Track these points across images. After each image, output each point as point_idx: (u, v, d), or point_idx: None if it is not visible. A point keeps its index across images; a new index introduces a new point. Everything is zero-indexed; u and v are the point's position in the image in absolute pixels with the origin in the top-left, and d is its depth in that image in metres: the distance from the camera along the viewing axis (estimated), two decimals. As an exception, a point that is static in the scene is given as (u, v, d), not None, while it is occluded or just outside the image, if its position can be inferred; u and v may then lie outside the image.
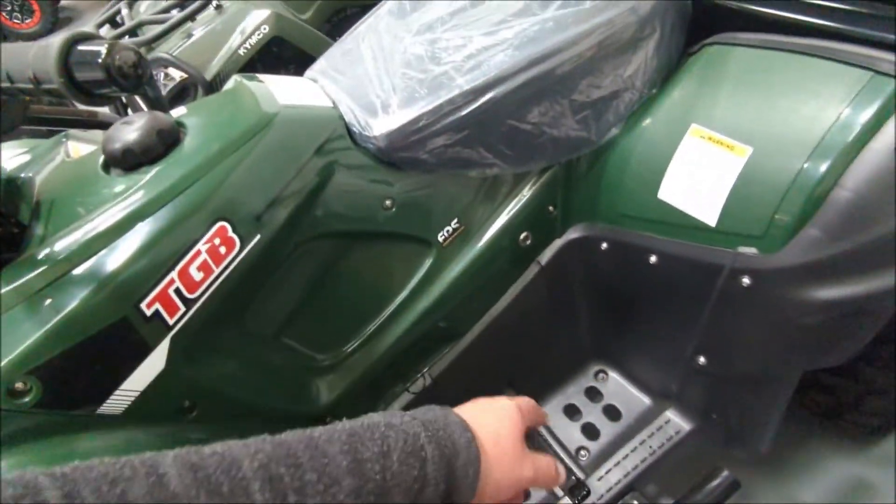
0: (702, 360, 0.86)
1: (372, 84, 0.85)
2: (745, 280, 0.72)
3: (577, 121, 0.84)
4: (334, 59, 0.95)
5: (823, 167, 0.64)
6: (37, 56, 0.43)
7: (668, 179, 0.79)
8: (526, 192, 0.93)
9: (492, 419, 0.49)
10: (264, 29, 1.72)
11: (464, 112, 0.78)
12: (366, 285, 0.87)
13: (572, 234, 0.95)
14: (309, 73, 0.97)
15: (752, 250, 0.71)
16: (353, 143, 0.81)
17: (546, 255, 0.97)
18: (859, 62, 0.64)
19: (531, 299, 0.99)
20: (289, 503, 0.35)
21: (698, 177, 0.75)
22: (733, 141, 0.72)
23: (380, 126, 0.79)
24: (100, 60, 0.43)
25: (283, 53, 1.88)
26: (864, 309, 0.67)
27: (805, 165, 0.65)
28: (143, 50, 1.67)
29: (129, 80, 0.45)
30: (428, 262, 0.89)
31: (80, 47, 0.44)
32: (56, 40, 0.43)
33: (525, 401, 0.53)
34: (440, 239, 0.89)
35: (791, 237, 0.67)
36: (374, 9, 1.05)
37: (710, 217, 0.74)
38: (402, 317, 0.89)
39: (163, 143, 0.68)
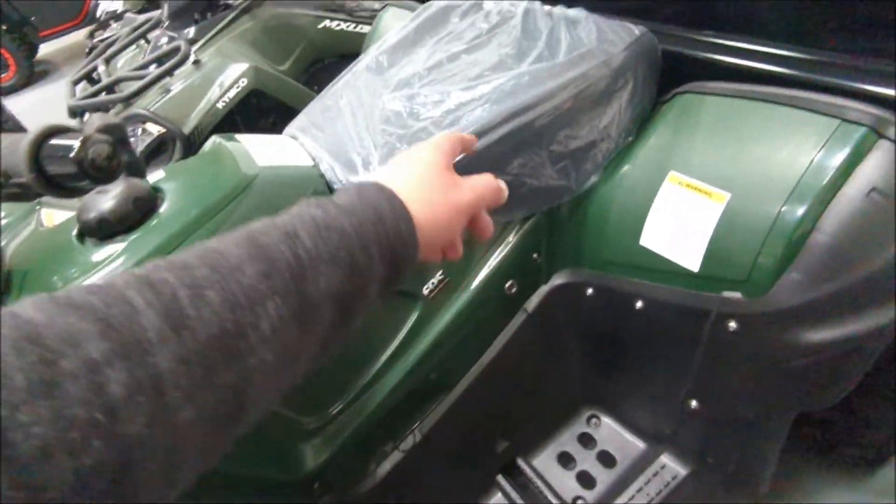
0: (694, 403, 0.85)
1: (352, 141, 0.85)
2: (732, 324, 0.72)
3: (557, 170, 0.85)
4: (314, 116, 0.96)
5: (800, 212, 0.65)
6: (7, 150, 0.42)
7: (648, 226, 0.80)
8: (510, 241, 0.93)
9: (407, 165, 0.48)
10: (243, 82, 1.74)
11: (444, 167, 0.79)
12: (350, 343, 0.85)
13: (557, 280, 0.95)
14: (289, 129, 0.97)
15: (736, 295, 0.71)
16: (334, 200, 0.80)
17: (533, 303, 0.96)
18: (827, 110, 0.66)
19: (520, 347, 0.98)
20: (180, 300, 0.29)
21: (679, 223, 0.76)
22: (711, 187, 0.73)
23: (361, 183, 0.79)
24: (72, 155, 0.42)
25: (262, 105, 1.89)
26: (851, 351, 0.67)
27: (782, 211, 0.66)
28: (120, 106, 1.67)
29: (102, 173, 0.44)
30: (414, 316, 0.88)
31: (53, 141, 0.43)
32: (28, 135, 0.42)
33: (441, 135, 0.53)
34: (425, 292, 0.88)
35: (774, 281, 0.67)
36: (352, 64, 1.06)
37: (692, 263, 0.74)
38: (389, 373, 0.88)
39: (139, 210, 0.67)
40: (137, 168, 0.74)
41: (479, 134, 0.79)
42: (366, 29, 2.02)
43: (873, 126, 0.63)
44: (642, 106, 0.86)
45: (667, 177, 0.78)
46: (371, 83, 0.97)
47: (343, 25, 2.12)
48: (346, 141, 0.86)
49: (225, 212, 0.70)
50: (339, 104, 0.96)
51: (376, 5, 1.99)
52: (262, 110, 1.90)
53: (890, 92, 0.66)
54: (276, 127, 1.04)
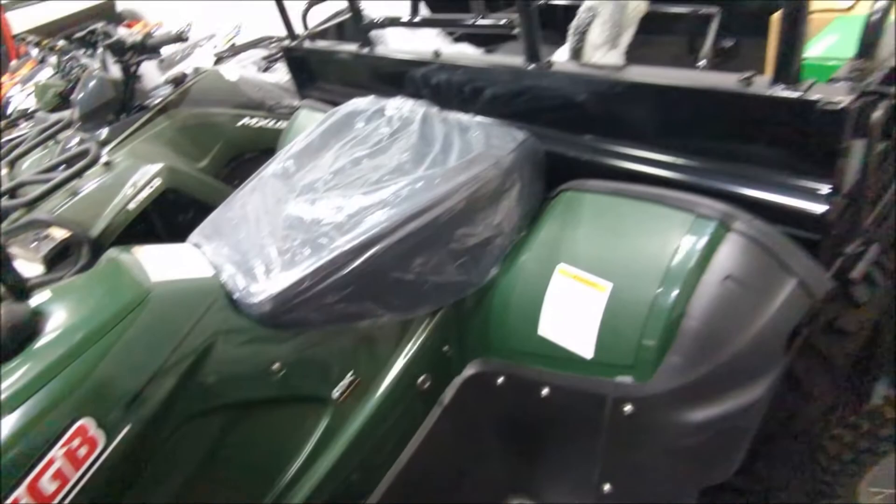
0: (607, 487, 0.86)
1: (255, 248, 0.86)
2: (628, 408, 0.75)
3: (457, 266, 0.88)
4: (219, 223, 0.96)
5: (671, 299, 0.71)
6: None
7: (544, 316, 0.84)
8: (419, 336, 0.94)
9: None
10: (156, 182, 1.72)
11: (346, 270, 0.81)
12: (259, 458, 0.82)
13: (469, 370, 0.97)
14: (193, 237, 0.97)
15: (628, 379, 0.75)
16: (235, 310, 0.80)
17: (447, 395, 0.96)
18: (684, 206, 0.74)
19: (439, 441, 0.97)
20: None
21: (570, 313, 0.80)
22: (595, 278, 0.78)
23: (263, 291, 0.79)
24: None
25: (179, 202, 1.87)
26: (733, 425, 0.72)
27: (656, 299, 0.72)
28: (21, 211, 1.60)
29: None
30: (324, 422, 0.86)
31: None
32: None
33: None
34: (335, 395, 0.86)
35: (658, 365, 0.72)
36: (260, 169, 1.09)
37: (586, 350, 0.78)
38: (300, 485, 0.84)
39: (15, 339, 0.64)
40: (20, 289, 0.71)
41: (380, 237, 0.82)
42: (285, 125, 2.08)
43: (721, 220, 0.70)
44: (531, 203, 0.93)
45: (556, 269, 0.83)
46: (277, 189, 1.00)
47: (262, 122, 2.17)
48: (249, 248, 0.86)
49: (114, 332, 0.67)
50: (245, 210, 0.97)
51: (295, 102, 2.06)
52: (179, 207, 1.88)
53: (735, 189, 0.75)
54: (195, 222, 1.03)
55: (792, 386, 1.07)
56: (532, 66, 0.89)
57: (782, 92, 0.63)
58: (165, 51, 2.43)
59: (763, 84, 0.65)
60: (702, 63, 0.97)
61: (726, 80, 0.68)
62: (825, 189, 0.65)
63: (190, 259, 0.86)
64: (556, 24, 1.03)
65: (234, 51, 3.17)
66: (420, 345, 0.94)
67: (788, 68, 0.62)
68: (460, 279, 0.90)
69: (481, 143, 0.92)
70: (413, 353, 0.94)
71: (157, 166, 1.75)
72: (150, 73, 2.17)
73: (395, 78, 1.24)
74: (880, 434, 0.99)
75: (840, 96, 0.58)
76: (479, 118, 1.01)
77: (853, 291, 1.13)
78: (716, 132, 0.76)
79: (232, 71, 2.23)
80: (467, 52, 1.44)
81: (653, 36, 1.55)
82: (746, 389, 0.69)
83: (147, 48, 1.92)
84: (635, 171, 0.86)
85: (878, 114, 0.58)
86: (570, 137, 0.96)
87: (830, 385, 1.06)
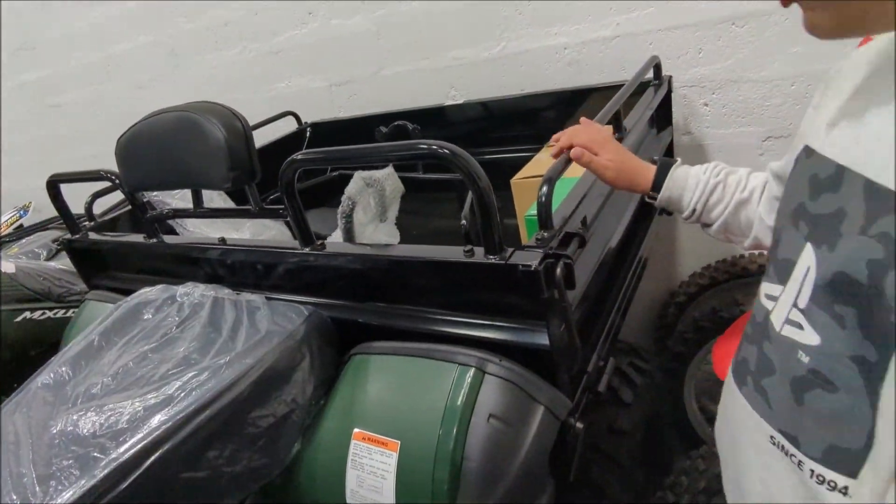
0: None
1: (10, 482, 0.76)
2: (434, 561, 0.77)
3: (256, 451, 0.87)
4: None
5: (450, 446, 0.77)
6: None
7: (348, 483, 0.85)
8: (225, 534, 0.88)
9: None
10: None
11: (124, 485, 0.75)
12: None
13: (286, 558, 0.92)
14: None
15: (428, 531, 0.78)
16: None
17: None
18: (449, 358, 0.85)
19: None
20: None
21: (369, 475, 0.83)
22: (386, 438, 0.83)
23: (17, 533, 0.70)
24: None
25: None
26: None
27: (438, 449, 0.78)
28: None
29: None
30: None
31: None
32: None
33: None
34: None
35: (453, 511, 0.77)
36: (27, 381, 0.99)
37: (389, 512, 0.81)
38: None
39: None
40: None
41: (163, 439, 0.79)
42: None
43: (478, 366, 0.82)
44: (325, 372, 0.97)
45: (353, 434, 0.86)
46: (46, 402, 0.91)
47: (49, 313, 1.97)
48: (3, 484, 0.77)
49: None
50: (6, 432, 0.87)
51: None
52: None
53: (491, 336, 0.88)
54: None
55: (591, 489, 1.19)
56: (307, 248, 0.99)
57: (492, 260, 0.78)
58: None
59: (480, 255, 0.80)
60: (463, 222, 1.14)
61: (456, 252, 0.83)
62: (544, 329, 0.80)
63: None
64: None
65: (19, 234, 2.91)
66: (228, 543, 0.88)
67: (492, 242, 0.78)
68: (262, 462, 0.88)
69: (269, 322, 0.97)
70: (220, 554, 0.87)
71: None
72: None
73: (190, 262, 1.26)
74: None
75: (531, 261, 0.75)
76: (266, 298, 1.06)
77: (620, 394, 1.33)
78: (465, 291, 0.89)
79: (8, 263, 2.03)
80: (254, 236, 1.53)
81: (435, 193, 1.80)
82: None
83: None
84: (418, 329, 0.95)
85: (558, 271, 0.75)
86: (360, 305, 1.04)
87: (620, 482, 1.20)
